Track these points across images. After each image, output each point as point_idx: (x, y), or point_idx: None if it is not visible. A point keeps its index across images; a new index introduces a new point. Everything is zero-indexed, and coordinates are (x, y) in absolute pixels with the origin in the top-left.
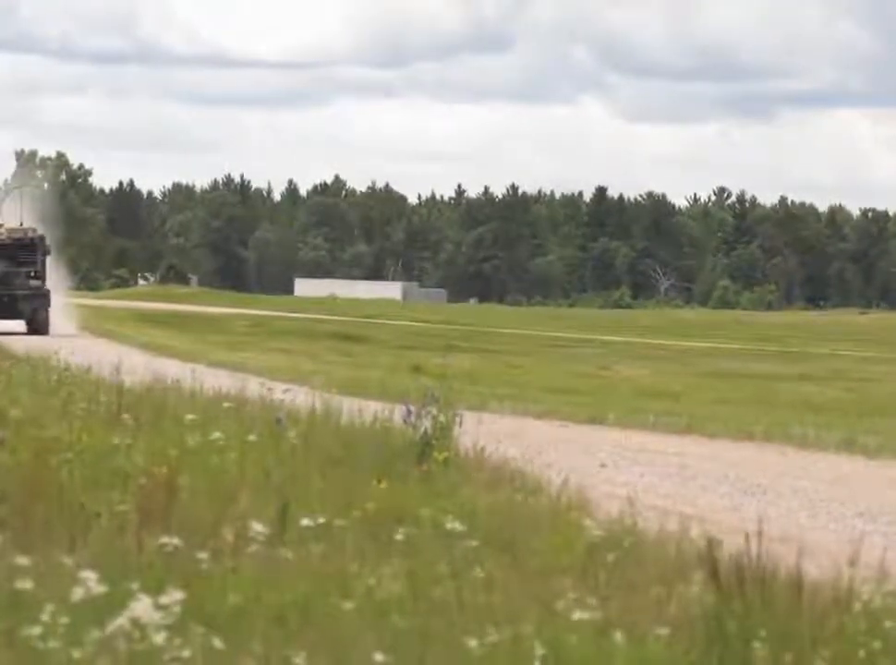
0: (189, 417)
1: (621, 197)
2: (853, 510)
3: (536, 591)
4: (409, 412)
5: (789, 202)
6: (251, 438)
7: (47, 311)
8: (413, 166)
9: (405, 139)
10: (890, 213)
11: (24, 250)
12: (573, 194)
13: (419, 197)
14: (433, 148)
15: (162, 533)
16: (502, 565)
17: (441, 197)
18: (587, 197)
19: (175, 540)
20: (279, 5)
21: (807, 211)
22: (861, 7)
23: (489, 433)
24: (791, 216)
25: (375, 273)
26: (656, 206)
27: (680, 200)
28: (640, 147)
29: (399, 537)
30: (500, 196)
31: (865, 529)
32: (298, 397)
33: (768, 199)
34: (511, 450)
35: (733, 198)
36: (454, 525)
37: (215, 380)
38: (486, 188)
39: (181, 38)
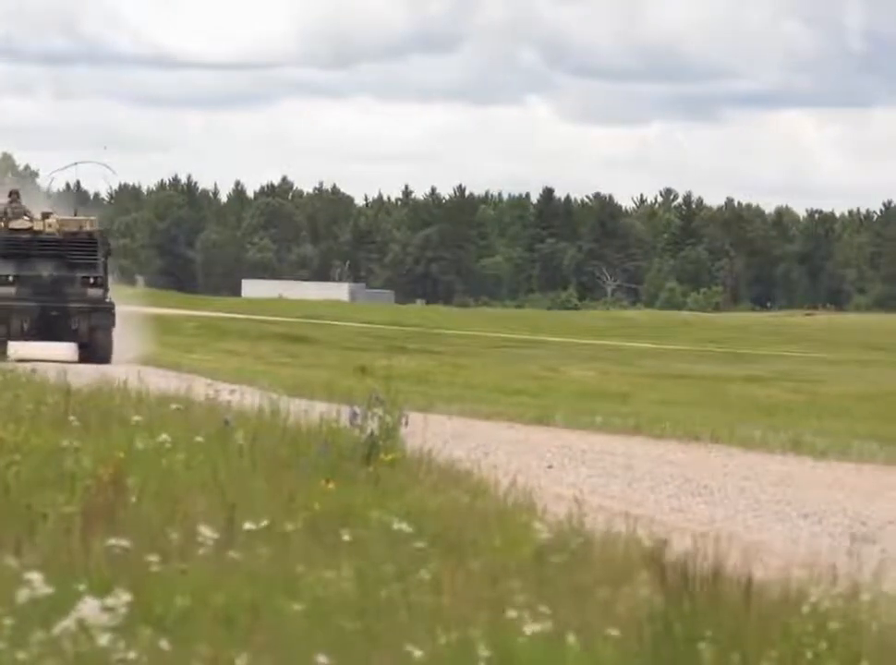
0: (137, 418)
1: (568, 198)
2: (800, 511)
3: (483, 593)
4: (356, 413)
5: (735, 204)
6: (199, 439)
7: (110, 333)
8: (360, 167)
9: (352, 139)
10: (837, 214)
11: (80, 249)
12: (520, 195)
13: (366, 198)
14: (380, 149)
15: (109, 535)
16: (449, 567)
17: (389, 198)
18: (535, 198)
19: (123, 542)
20: (225, 5)
21: (754, 213)
22: (806, 8)
23: (436, 434)
24: (737, 217)
25: (322, 275)
26: (603, 207)
27: (627, 202)
28: (587, 148)
29: (346, 538)
30: (447, 197)
31: (811, 530)
32: (245, 398)
33: (714, 200)
34: (458, 451)
35: (680, 199)
36: (401, 526)
37: (163, 382)
38: (433, 189)
39: (127, 39)
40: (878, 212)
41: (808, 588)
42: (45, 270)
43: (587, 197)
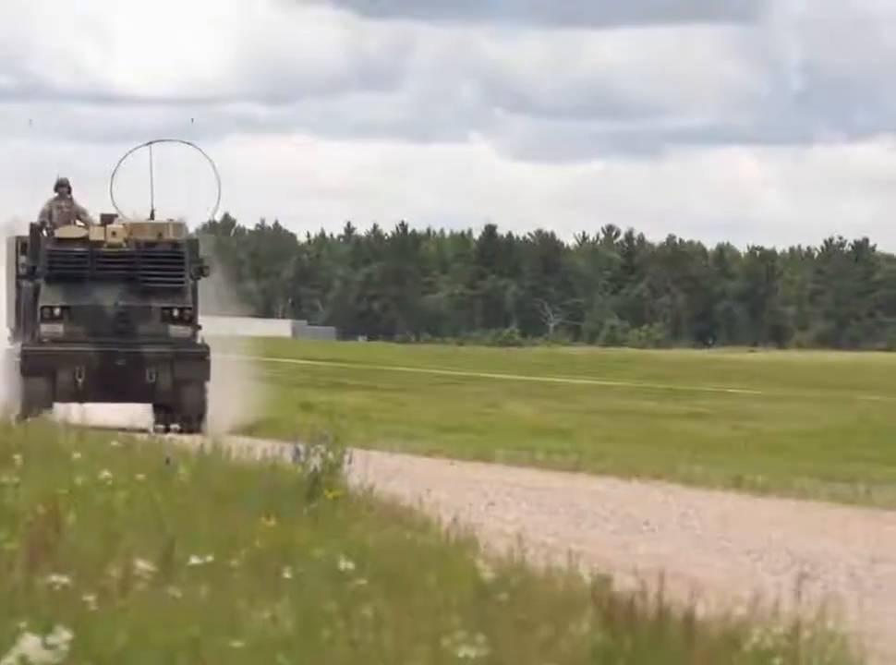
0: (77, 456)
1: (510, 235)
2: (742, 547)
3: (425, 630)
4: (298, 450)
5: (677, 241)
6: (140, 477)
7: (203, 388)
8: (302, 204)
9: (294, 176)
10: (778, 251)
11: (159, 267)
12: (462, 232)
13: (308, 235)
14: (322, 185)
15: (50, 572)
16: (391, 604)
17: (331, 234)
18: (477, 235)
19: (64, 579)
20: (165, 41)
21: (695, 250)
22: (745, 45)
23: (378, 471)
24: (678, 254)
25: (264, 311)
26: (545, 244)
27: (569, 239)
28: (529, 185)
29: (288, 575)
30: (389, 233)
31: (754, 567)
32: (187, 436)
33: (656, 237)
34: (400, 488)
35: (622, 236)
36: (343, 563)
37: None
38: (375, 226)
39: (66, 74)
40: (819, 249)
41: (751, 625)
42: (108, 298)
43: (529, 234)
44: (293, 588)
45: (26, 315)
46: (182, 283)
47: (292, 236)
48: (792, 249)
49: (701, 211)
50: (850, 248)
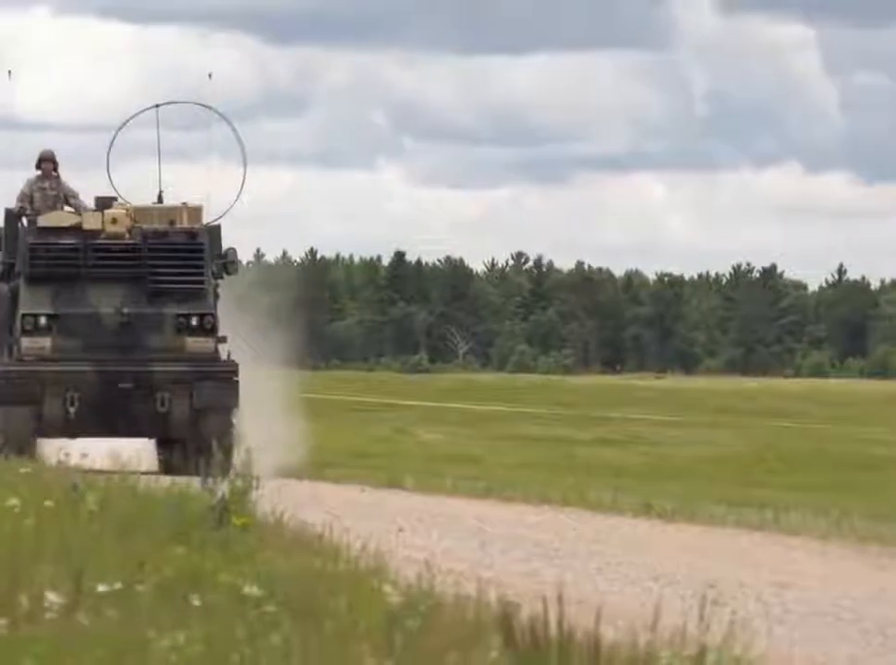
0: None
1: (419, 261)
2: (650, 573)
3: (334, 656)
4: (207, 477)
5: (586, 267)
6: (48, 504)
7: (230, 420)
8: None
9: (203, 203)
10: (686, 277)
11: (173, 263)
12: (371, 258)
13: None
14: (231, 211)
15: None
16: (300, 630)
17: (241, 261)
18: (386, 261)
19: None
20: (75, 67)
21: (603, 276)
22: (653, 72)
23: (287, 498)
24: (587, 281)
25: None
26: (454, 271)
27: (478, 265)
28: (438, 211)
29: (196, 602)
30: (298, 260)
31: (662, 592)
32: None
33: (565, 263)
34: (309, 515)
35: (531, 263)
36: (251, 589)
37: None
38: (284, 253)
39: None
40: (727, 276)
41: (658, 650)
42: (108, 303)
43: (438, 260)
44: (201, 615)
45: (1, 327)
46: (202, 283)
47: None
48: (700, 276)
49: (609, 237)
50: (757, 275)
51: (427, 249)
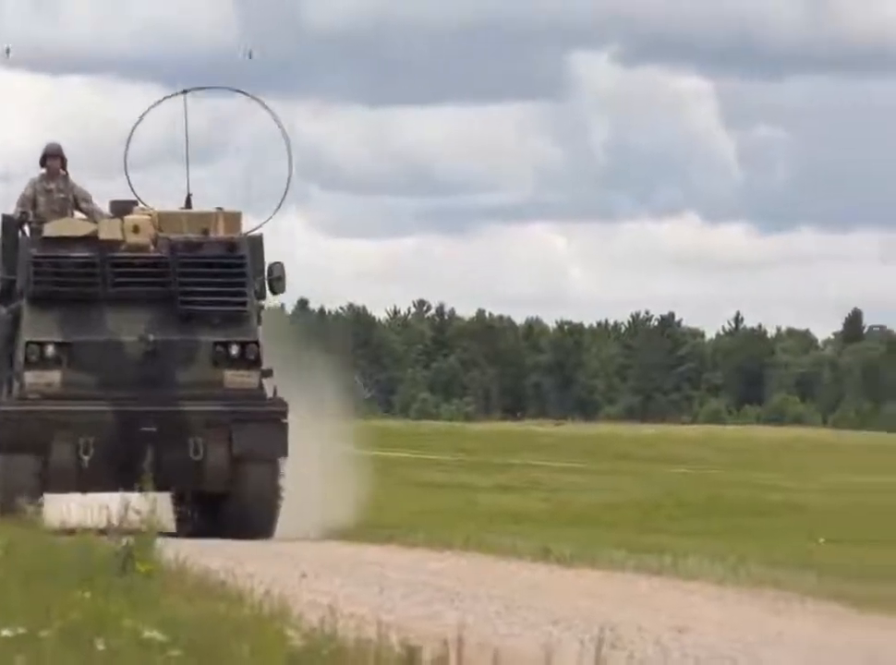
0: None
1: (322, 309)
2: (549, 617)
3: None
4: (111, 524)
5: (487, 315)
6: None
7: (276, 471)
8: None
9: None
10: (586, 325)
11: (210, 280)
12: (274, 306)
13: None
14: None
15: None
16: None
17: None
18: (290, 308)
19: None
20: None
21: (504, 324)
22: (554, 123)
23: (191, 544)
24: (488, 329)
25: None
26: (357, 318)
27: (380, 313)
28: (341, 260)
29: (101, 647)
30: None
31: (561, 636)
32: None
33: (466, 311)
34: (212, 561)
35: (433, 311)
36: (155, 634)
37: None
38: None
39: None
40: (626, 324)
41: None
42: (130, 329)
43: (341, 308)
44: (105, 660)
45: (0, 357)
46: (244, 304)
47: None
48: (599, 324)
49: (511, 286)
50: (656, 323)
51: (330, 297)
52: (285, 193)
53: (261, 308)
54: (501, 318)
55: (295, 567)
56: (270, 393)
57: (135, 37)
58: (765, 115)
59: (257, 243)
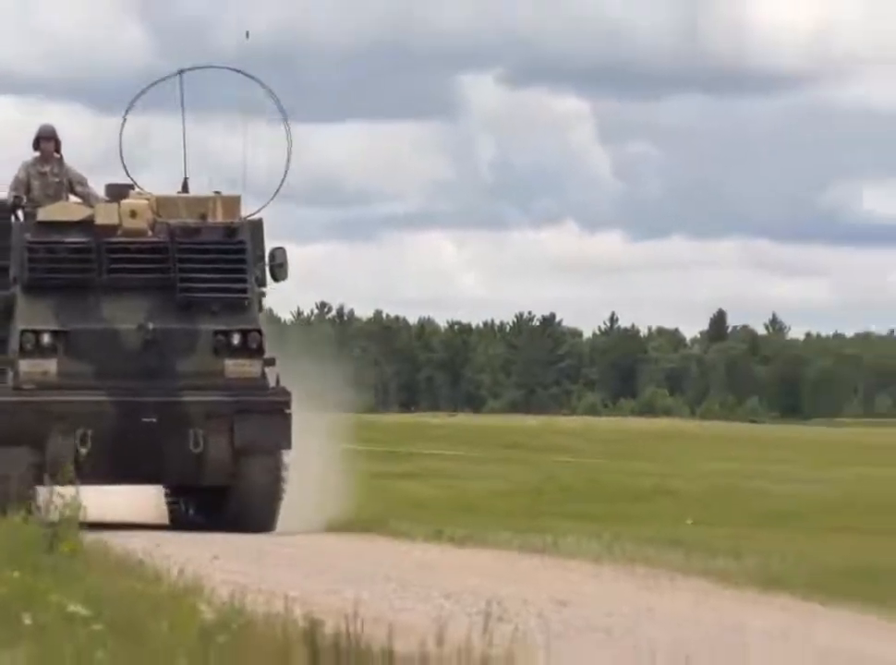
0: None
1: None
2: (440, 592)
3: None
4: (38, 506)
5: (384, 316)
6: None
7: (279, 461)
8: None
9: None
10: (473, 325)
11: (210, 266)
12: None
13: None
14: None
15: None
16: (124, 647)
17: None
18: None
19: None
20: None
21: (400, 324)
22: (446, 140)
23: (111, 527)
24: (385, 329)
25: None
26: (269, 319)
27: (285, 314)
28: None
29: (28, 622)
30: None
31: (451, 610)
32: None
33: (364, 312)
34: (131, 542)
35: (334, 312)
36: (79, 609)
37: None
38: None
39: None
40: (511, 324)
41: (445, 662)
42: (128, 317)
43: None
44: (33, 633)
45: None
46: (245, 291)
47: None
48: (486, 324)
49: (406, 288)
50: (538, 323)
51: None
52: (285, 173)
53: (263, 295)
54: (397, 318)
55: (208, 549)
56: (272, 383)
57: (57, 57)
58: (638, 133)
59: (257, 228)
